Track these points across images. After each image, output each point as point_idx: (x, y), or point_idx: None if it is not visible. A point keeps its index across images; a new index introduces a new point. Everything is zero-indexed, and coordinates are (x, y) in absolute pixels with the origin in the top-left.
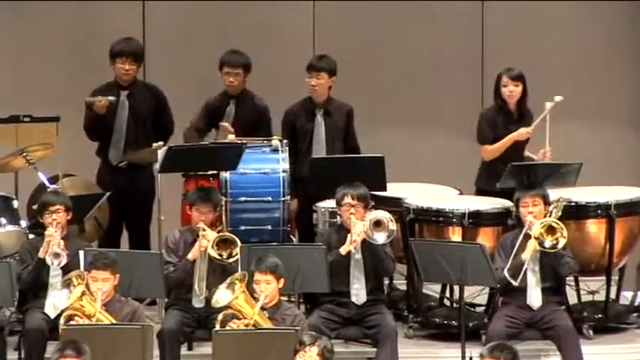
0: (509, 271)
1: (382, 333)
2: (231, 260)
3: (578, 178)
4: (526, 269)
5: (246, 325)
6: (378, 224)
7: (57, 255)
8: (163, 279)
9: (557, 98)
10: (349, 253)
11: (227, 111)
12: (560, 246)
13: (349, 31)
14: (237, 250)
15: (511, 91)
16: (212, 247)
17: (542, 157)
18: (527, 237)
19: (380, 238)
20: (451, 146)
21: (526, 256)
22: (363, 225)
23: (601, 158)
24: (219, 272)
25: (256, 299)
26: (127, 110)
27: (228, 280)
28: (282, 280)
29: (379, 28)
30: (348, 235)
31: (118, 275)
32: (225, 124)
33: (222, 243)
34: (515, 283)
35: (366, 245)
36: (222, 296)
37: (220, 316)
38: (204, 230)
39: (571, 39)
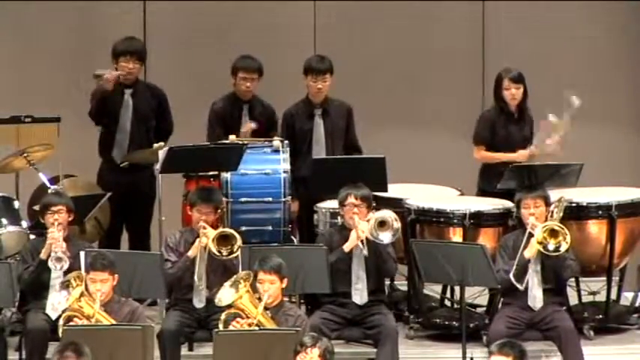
0: (516, 271)
1: (383, 333)
2: (232, 256)
3: (580, 178)
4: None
5: (250, 325)
6: (382, 224)
7: (59, 259)
8: (164, 279)
9: (576, 102)
10: (351, 252)
11: (243, 116)
12: (563, 249)
13: (350, 31)
14: (238, 245)
15: (513, 94)
16: (212, 242)
17: (553, 142)
18: (531, 238)
19: (385, 237)
20: (452, 147)
21: (529, 254)
22: (368, 225)
23: (602, 159)
24: (220, 271)
25: (259, 299)
26: (131, 109)
27: (232, 279)
28: (285, 281)
29: (380, 28)
30: (352, 232)
31: (116, 276)
32: (250, 124)
33: (223, 239)
34: (521, 288)
35: (369, 246)
36: (225, 295)
37: (223, 316)
38: (204, 228)
39: (572, 40)
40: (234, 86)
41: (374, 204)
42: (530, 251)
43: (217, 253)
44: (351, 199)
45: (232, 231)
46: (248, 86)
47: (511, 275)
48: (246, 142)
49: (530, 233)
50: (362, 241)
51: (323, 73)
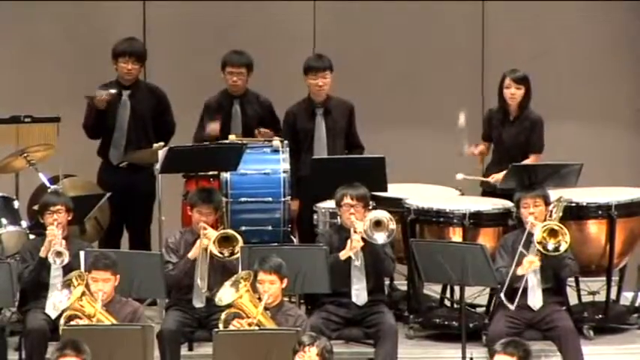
0: (507, 288)
1: (382, 330)
2: (232, 258)
3: (579, 178)
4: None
5: (250, 325)
6: (378, 224)
7: (59, 254)
8: (164, 279)
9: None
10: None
11: (233, 111)
12: (562, 249)
13: (350, 30)
14: (239, 246)
15: (512, 93)
16: (213, 244)
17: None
18: (530, 238)
19: (380, 238)
20: (452, 147)
21: (522, 272)
22: (363, 224)
23: (602, 159)
24: (220, 271)
25: (259, 299)
26: (129, 110)
27: (232, 279)
28: (285, 281)
29: (380, 28)
30: (348, 241)
31: (118, 276)
32: (264, 129)
33: (224, 241)
34: (512, 307)
35: (366, 246)
36: (226, 294)
37: (223, 316)
38: (205, 229)
39: (572, 39)
40: (225, 81)
41: (373, 203)
42: (523, 269)
43: (219, 255)
44: (347, 200)
45: (233, 232)
46: (235, 81)
47: (502, 295)
48: (245, 141)
49: (529, 232)
50: (356, 249)
51: (322, 70)
